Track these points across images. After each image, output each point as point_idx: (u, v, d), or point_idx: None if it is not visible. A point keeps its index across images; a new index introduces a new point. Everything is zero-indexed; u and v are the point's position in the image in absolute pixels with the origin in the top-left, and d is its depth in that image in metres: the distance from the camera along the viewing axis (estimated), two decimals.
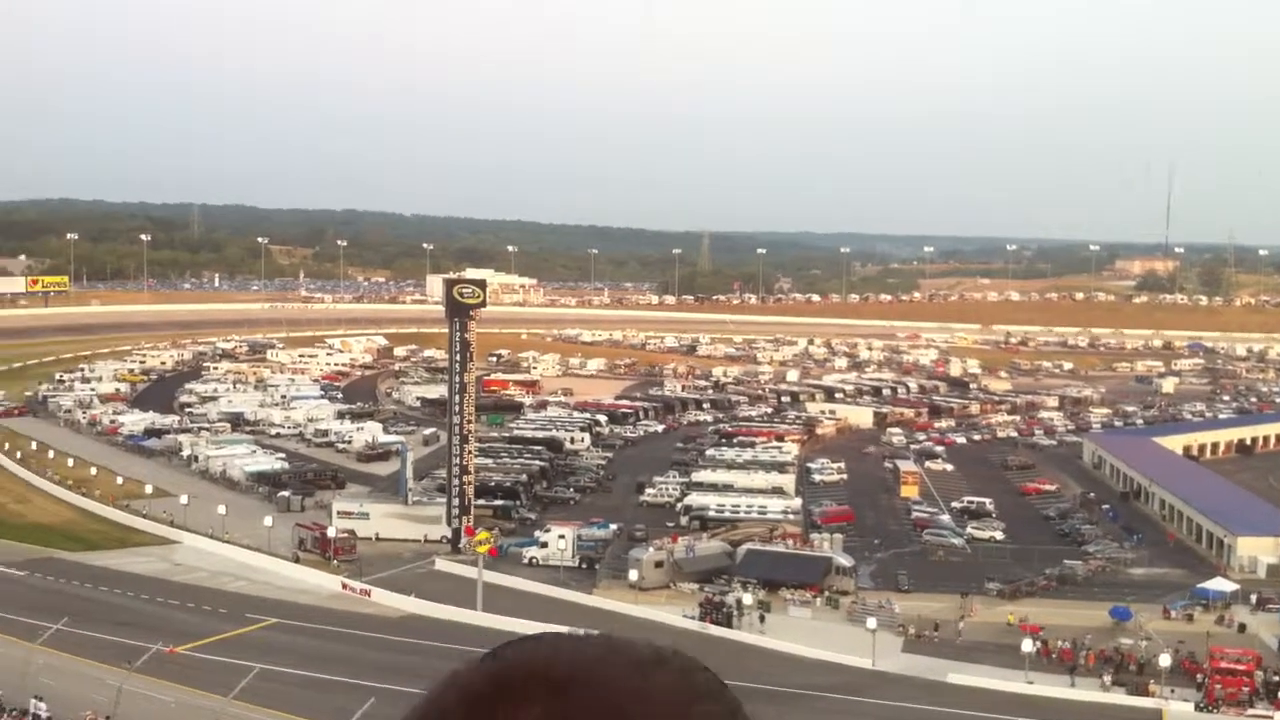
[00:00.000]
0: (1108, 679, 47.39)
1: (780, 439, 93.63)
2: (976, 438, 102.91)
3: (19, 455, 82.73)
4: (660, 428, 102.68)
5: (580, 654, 1.33)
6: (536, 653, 1.32)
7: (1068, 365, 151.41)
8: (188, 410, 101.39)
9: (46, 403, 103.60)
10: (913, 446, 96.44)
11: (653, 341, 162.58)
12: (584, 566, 61.14)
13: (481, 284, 75.74)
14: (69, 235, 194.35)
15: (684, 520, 68.41)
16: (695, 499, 71.51)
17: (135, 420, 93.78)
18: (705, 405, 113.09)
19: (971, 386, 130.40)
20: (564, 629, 1.33)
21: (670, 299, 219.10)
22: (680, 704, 1.34)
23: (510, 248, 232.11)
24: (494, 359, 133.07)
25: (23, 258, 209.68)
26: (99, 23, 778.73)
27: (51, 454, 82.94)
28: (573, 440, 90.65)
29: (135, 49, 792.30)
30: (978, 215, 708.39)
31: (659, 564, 58.66)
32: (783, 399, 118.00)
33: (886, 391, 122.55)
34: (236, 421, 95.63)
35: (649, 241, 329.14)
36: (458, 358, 68.19)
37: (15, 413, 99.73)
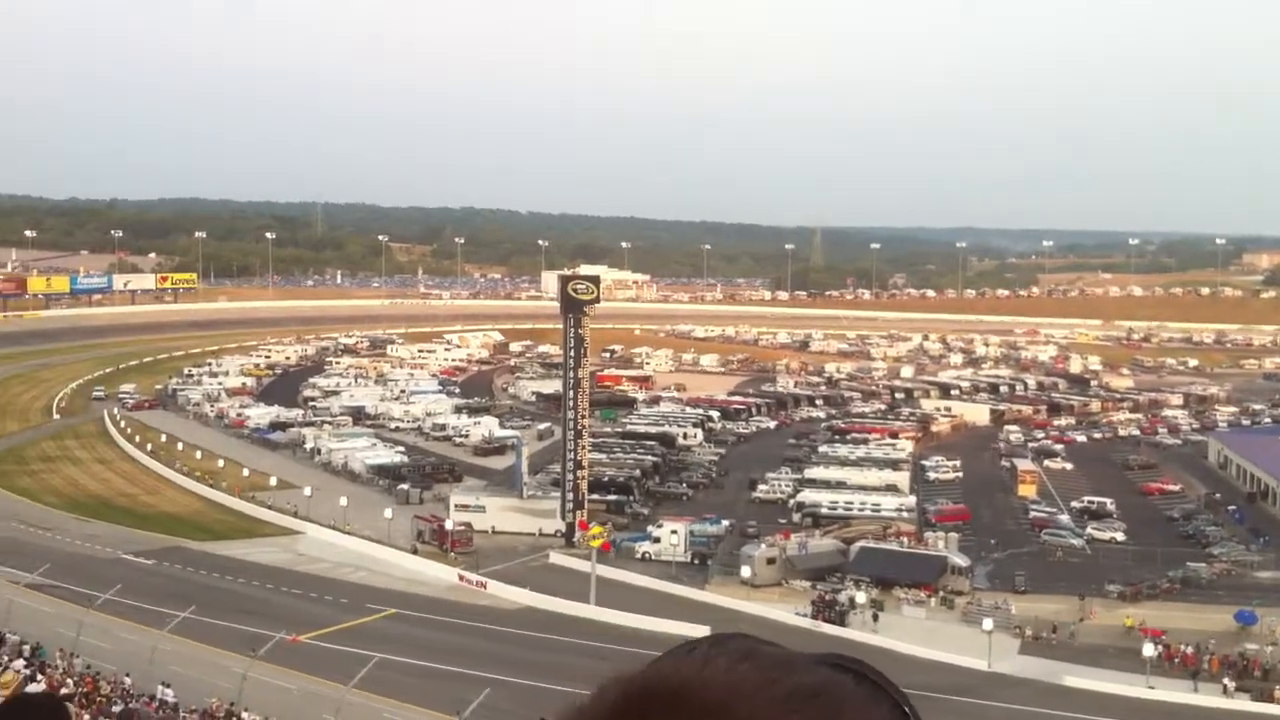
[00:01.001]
0: (1231, 685, 46.12)
1: (894, 436, 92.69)
2: (1097, 436, 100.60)
3: (150, 447, 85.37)
4: (772, 424, 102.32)
5: (728, 677, 1.19)
6: (679, 672, 1.19)
7: (1192, 362, 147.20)
8: (311, 404, 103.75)
9: (176, 396, 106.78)
10: (1031, 445, 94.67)
11: (765, 337, 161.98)
12: (696, 562, 61.28)
13: (595, 280, 76.25)
14: (198, 234, 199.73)
15: (796, 517, 68.15)
16: (808, 496, 71.16)
17: (261, 414, 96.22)
18: (818, 401, 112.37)
19: (1092, 383, 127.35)
20: (727, 633, 1.24)
21: (783, 294, 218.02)
22: None
23: (624, 244, 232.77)
24: (607, 354, 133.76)
25: (153, 255, 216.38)
26: (233, 28, 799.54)
27: (181, 446, 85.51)
28: (685, 436, 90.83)
29: (263, 56, 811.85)
30: (1098, 209, 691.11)
31: (771, 561, 58.59)
32: (897, 395, 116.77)
33: (1004, 388, 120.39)
34: (357, 415, 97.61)
35: (761, 237, 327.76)
36: (572, 353, 68.86)
37: (146, 406, 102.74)
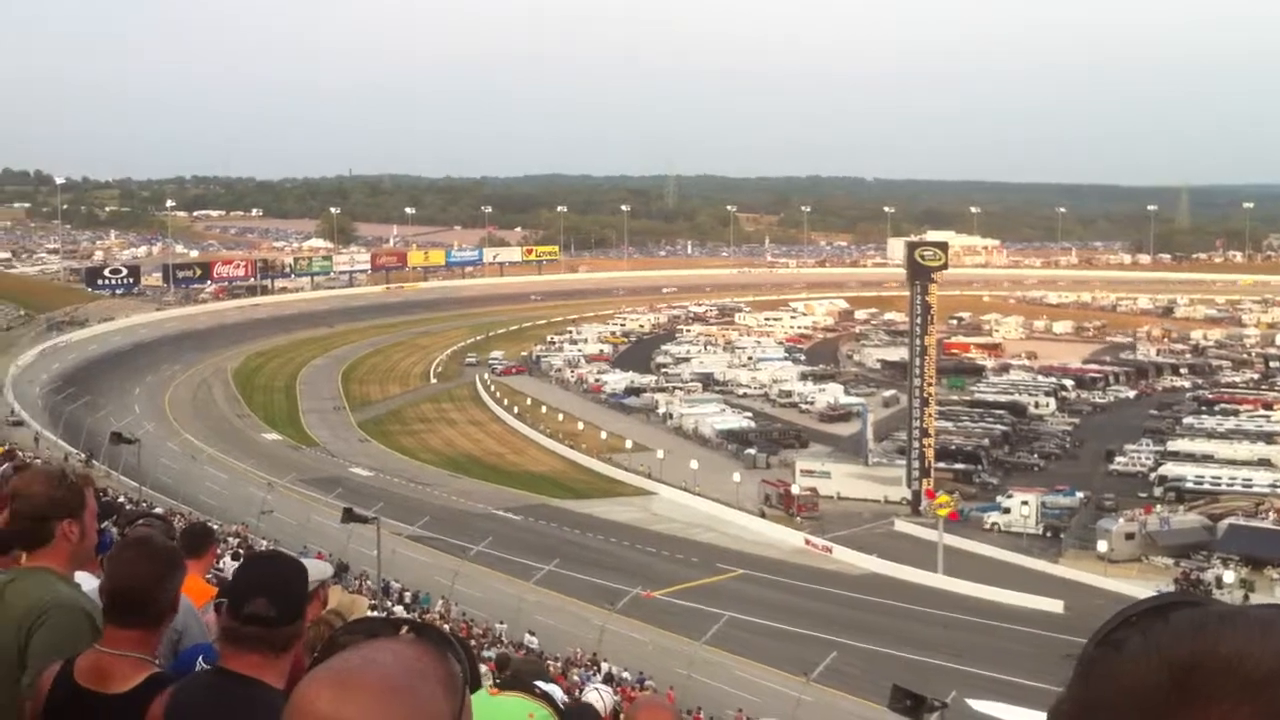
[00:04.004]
0: None
1: (1268, 407, 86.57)
2: None
3: (516, 410, 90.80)
4: (1131, 394, 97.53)
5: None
6: (1221, 642, 1.07)
7: None
8: (663, 370, 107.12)
9: (540, 362, 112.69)
10: None
11: (1124, 303, 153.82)
12: (1048, 535, 59.73)
13: (943, 246, 75.17)
14: (559, 208, 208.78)
15: (1157, 491, 65.10)
16: (1171, 469, 67.78)
17: (617, 379, 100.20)
18: (1182, 370, 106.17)
19: None
20: (1169, 598, 1.16)
21: (1144, 258, 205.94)
22: None
23: (973, 208, 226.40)
24: (955, 321, 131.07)
25: (519, 229, 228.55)
26: (586, 26, 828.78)
27: (544, 409, 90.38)
28: (1037, 405, 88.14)
29: (619, 33, 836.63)
30: None
31: (1130, 536, 56.36)
32: (1271, 364, 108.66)
33: None
34: (707, 381, 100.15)
35: (1121, 198, 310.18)
36: (918, 320, 68.33)
37: (513, 371, 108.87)
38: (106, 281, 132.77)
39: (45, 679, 3.34)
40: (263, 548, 30.93)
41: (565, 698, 3.85)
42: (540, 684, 3.54)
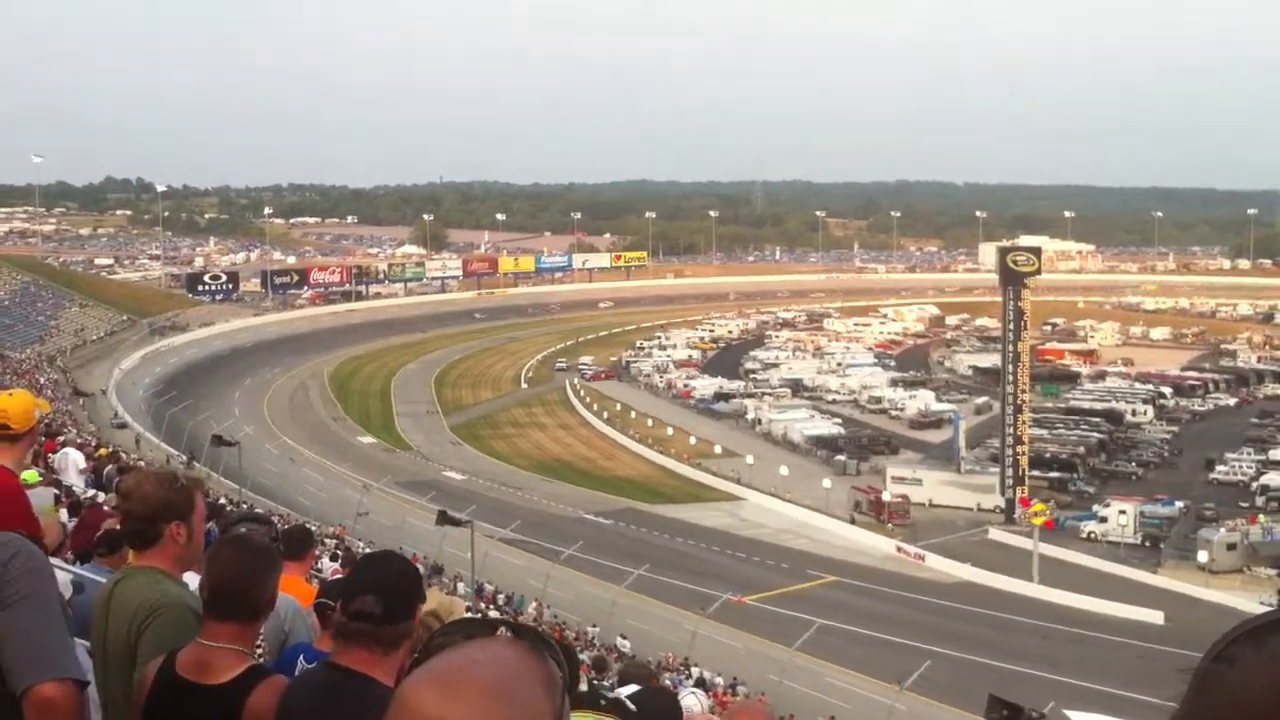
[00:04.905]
0: None
1: None
2: None
3: (606, 415, 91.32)
4: (1232, 401, 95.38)
5: None
6: None
7: None
8: (752, 376, 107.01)
9: (629, 367, 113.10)
10: None
11: (1224, 309, 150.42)
12: (1146, 544, 58.68)
13: (1036, 251, 74.34)
14: (647, 214, 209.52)
15: (1259, 500, 63.72)
16: (1274, 478, 66.22)
17: (706, 385, 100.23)
18: None
19: None
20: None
21: (1244, 263, 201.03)
22: None
23: (1066, 213, 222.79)
24: (1048, 327, 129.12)
25: (608, 235, 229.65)
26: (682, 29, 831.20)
27: (634, 414, 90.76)
28: (1134, 413, 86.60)
29: (705, 39, 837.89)
30: None
31: (1232, 546, 55.19)
32: None
33: None
34: (796, 387, 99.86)
35: (1220, 202, 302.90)
36: (1011, 326, 67.60)
37: (603, 376, 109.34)
38: (206, 287, 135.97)
39: (149, 671, 3.50)
40: (359, 550, 31.54)
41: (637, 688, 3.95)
42: (613, 692, 3.63)
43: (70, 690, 2.93)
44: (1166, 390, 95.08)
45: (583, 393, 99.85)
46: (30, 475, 9.20)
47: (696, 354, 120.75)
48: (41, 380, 73.49)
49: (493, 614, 35.02)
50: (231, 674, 3.39)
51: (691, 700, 9.00)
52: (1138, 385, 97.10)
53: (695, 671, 36.39)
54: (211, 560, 3.58)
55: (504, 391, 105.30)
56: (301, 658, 4.76)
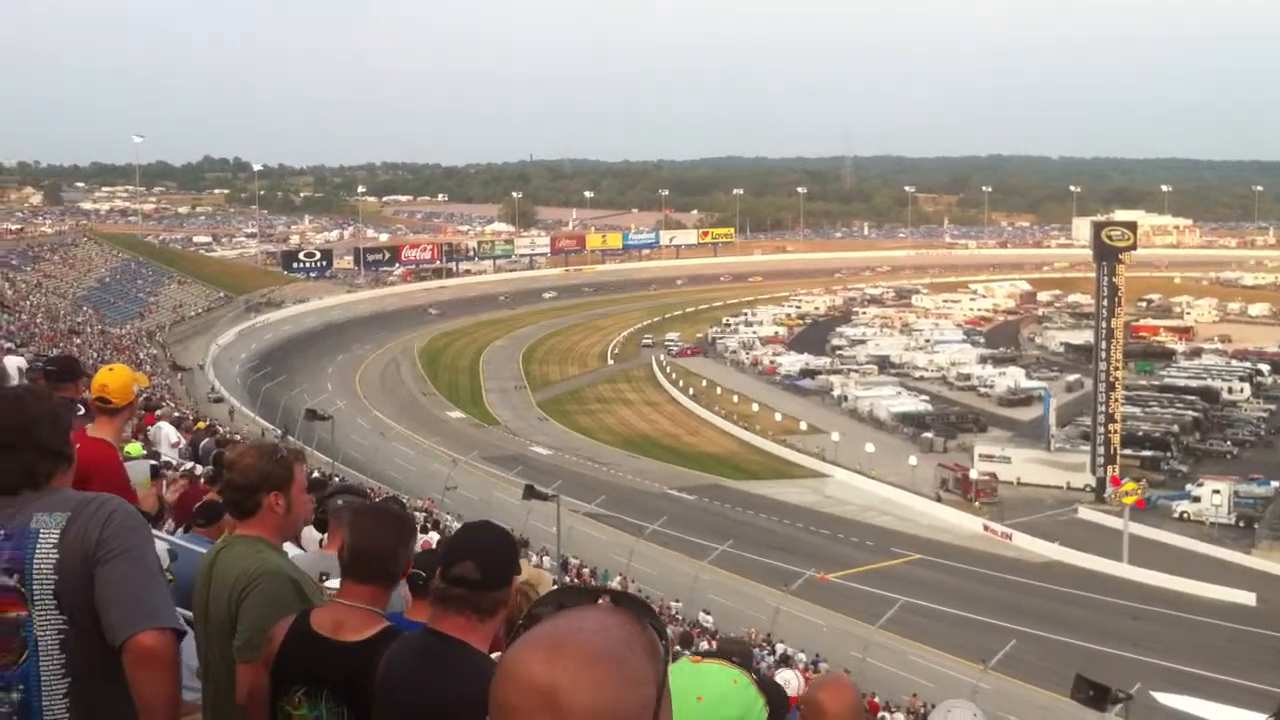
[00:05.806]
0: None
1: None
2: None
3: (691, 391, 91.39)
4: None
5: None
6: None
7: None
8: (838, 352, 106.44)
9: (715, 344, 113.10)
10: None
11: None
12: (1241, 524, 57.51)
13: (1132, 226, 72.86)
14: (735, 190, 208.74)
15: None
16: None
17: (792, 361, 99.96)
18: None
19: None
20: None
21: None
22: None
23: (1164, 187, 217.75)
24: (1143, 304, 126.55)
25: (695, 212, 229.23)
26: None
27: (719, 391, 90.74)
28: (1230, 390, 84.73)
29: (792, 14, 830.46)
30: None
31: None
32: None
33: None
34: (883, 364, 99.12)
35: None
36: (1105, 303, 66.43)
37: (689, 353, 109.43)
38: (301, 264, 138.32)
39: (280, 627, 3.69)
40: (448, 523, 32.10)
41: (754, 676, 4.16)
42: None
43: (169, 639, 3.08)
44: (1264, 368, 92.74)
45: (668, 369, 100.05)
46: (134, 448, 9.68)
47: (783, 330, 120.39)
48: (141, 355, 75.29)
49: None
50: (367, 633, 3.60)
51: (789, 675, 9.26)
52: (1234, 362, 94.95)
53: (779, 648, 36.50)
54: (353, 528, 3.79)
55: (591, 368, 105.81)
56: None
